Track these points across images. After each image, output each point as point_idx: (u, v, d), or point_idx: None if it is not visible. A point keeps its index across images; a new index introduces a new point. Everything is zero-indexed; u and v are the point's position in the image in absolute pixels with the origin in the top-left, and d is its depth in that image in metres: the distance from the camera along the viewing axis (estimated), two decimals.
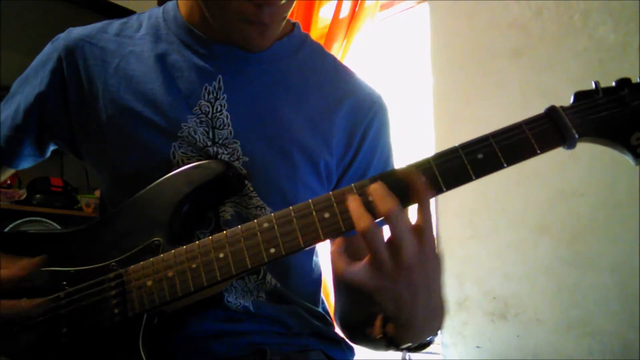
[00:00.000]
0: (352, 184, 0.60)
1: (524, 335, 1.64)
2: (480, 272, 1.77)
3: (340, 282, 0.84)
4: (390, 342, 0.71)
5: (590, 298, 1.53)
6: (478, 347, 1.74)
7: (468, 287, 1.80)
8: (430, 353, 1.93)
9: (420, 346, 0.70)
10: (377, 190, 0.56)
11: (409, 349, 0.71)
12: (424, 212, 0.56)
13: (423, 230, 0.55)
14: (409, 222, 0.55)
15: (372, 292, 0.58)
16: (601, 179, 1.54)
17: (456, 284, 1.82)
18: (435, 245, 0.58)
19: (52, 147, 0.89)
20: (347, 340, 0.86)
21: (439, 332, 0.70)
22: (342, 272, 0.56)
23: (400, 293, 0.57)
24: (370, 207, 0.57)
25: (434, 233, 0.57)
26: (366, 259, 0.56)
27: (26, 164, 0.89)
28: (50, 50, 0.83)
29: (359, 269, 0.56)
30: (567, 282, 1.58)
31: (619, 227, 1.50)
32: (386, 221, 0.55)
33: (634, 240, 1.45)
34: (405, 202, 0.58)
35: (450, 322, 1.81)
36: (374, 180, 0.59)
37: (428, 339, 0.69)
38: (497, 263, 1.74)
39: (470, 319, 1.77)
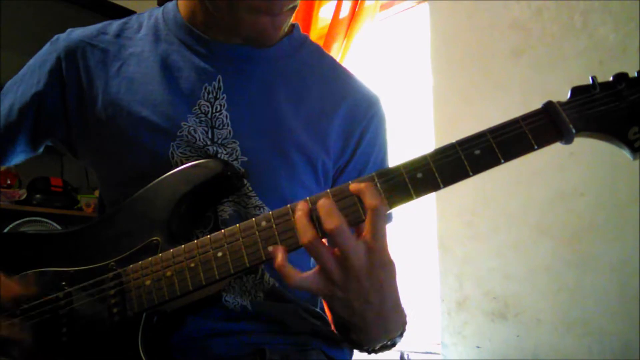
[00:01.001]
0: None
1: (524, 335, 1.64)
2: (480, 272, 1.77)
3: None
4: (353, 344, 0.72)
5: (590, 298, 1.52)
6: (478, 347, 1.74)
7: (468, 287, 1.79)
8: (430, 353, 1.93)
9: (384, 347, 0.71)
10: (323, 208, 0.57)
11: (374, 351, 0.72)
12: (372, 222, 0.57)
13: (371, 241, 0.57)
14: (352, 238, 0.57)
15: (324, 298, 0.61)
16: (601, 179, 1.54)
17: (456, 284, 1.82)
18: (387, 253, 0.59)
19: (46, 143, 0.88)
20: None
21: (401, 334, 0.71)
22: (293, 282, 0.58)
23: (351, 301, 0.59)
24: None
25: (385, 242, 0.58)
26: (315, 268, 0.59)
27: (17, 160, 0.89)
28: (49, 51, 0.83)
29: (308, 277, 0.58)
30: (567, 282, 1.57)
31: (619, 227, 1.50)
32: (330, 238, 0.57)
33: (634, 240, 1.44)
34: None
35: (451, 322, 1.81)
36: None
37: (389, 342, 0.71)
38: (497, 263, 1.73)
39: (470, 319, 1.77)
